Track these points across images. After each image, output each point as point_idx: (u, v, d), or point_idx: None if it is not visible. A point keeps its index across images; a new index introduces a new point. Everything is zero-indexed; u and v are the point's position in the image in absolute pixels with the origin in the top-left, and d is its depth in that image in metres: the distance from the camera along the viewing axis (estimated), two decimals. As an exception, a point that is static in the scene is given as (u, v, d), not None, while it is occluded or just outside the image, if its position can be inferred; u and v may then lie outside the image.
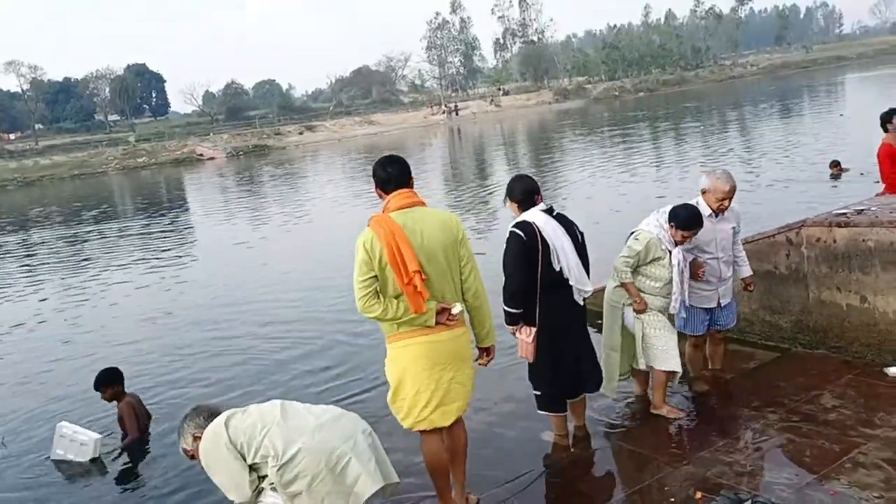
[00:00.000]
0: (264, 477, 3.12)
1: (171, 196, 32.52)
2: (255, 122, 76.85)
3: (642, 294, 4.55)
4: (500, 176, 22.41)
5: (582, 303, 4.26)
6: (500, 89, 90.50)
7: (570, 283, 4.14)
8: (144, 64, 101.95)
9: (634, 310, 4.56)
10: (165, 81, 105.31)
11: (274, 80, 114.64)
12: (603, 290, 4.84)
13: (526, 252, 4.04)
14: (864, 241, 4.87)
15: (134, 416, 5.63)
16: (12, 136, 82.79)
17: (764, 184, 13.84)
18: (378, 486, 3.14)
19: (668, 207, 4.58)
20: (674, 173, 17.66)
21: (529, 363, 4.28)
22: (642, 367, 4.66)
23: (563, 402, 4.43)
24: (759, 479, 3.79)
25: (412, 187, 3.62)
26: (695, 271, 4.65)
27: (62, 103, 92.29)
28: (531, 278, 4.05)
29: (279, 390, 6.27)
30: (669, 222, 4.48)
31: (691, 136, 27.99)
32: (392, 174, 3.57)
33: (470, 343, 3.71)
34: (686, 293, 4.61)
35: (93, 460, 5.37)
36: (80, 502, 5.01)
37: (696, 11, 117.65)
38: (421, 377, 3.52)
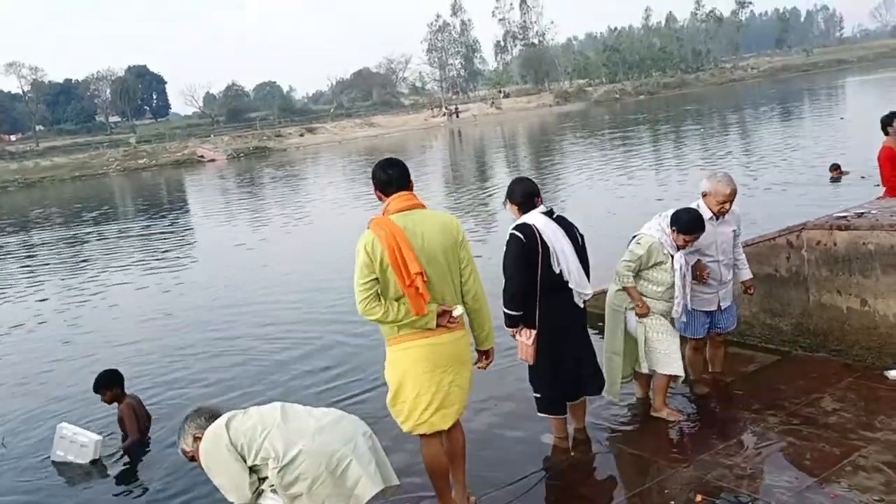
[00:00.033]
0: (264, 479, 3.13)
1: (171, 197, 32.54)
2: (256, 123, 76.87)
3: (644, 298, 4.55)
4: (501, 178, 22.43)
5: (582, 305, 4.27)
6: (500, 92, 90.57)
7: (570, 285, 4.14)
8: (145, 65, 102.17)
9: (637, 314, 4.56)
10: (166, 83, 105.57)
11: (274, 82, 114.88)
12: (603, 292, 4.85)
13: (526, 254, 4.04)
14: (864, 244, 4.87)
15: (134, 417, 5.62)
16: (13, 138, 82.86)
17: (763, 187, 13.84)
18: (378, 488, 3.15)
19: (670, 211, 4.57)
20: (673, 176, 17.66)
21: (529, 366, 4.28)
22: (645, 370, 4.66)
23: (562, 405, 4.43)
24: (760, 482, 3.79)
25: (412, 190, 3.63)
26: (699, 273, 4.65)
27: (63, 105, 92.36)
28: (531, 281, 4.05)
29: (279, 391, 6.28)
30: (671, 226, 4.48)
31: (691, 138, 28.01)
32: (393, 176, 3.58)
33: (469, 346, 3.71)
34: (689, 297, 4.60)
35: (93, 462, 5.36)
36: (81, 504, 5.00)
37: (696, 14, 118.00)
38: (421, 380, 3.51)
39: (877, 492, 3.52)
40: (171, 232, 19.20)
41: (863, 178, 11.91)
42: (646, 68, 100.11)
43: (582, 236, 4.27)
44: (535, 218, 4.13)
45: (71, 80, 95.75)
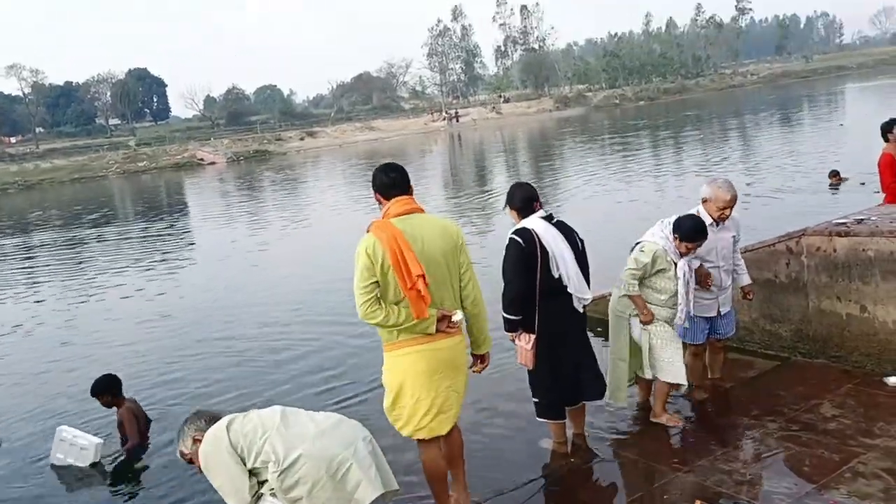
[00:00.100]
0: (264, 482, 3.12)
1: (171, 200, 32.54)
2: (257, 127, 76.87)
3: (649, 305, 4.54)
4: (500, 183, 22.44)
5: (581, 310, 4.27)
6: (500, 96, 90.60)
7: (569, 290, 4.15)
8: (146, 68, 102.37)
9: (641, 321, 4.55)
10: (166, 86, 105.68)
11: (275, 86, 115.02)
12: (603, 297, 4.84)
13: (525, 259, 4.05)
14: (864, 250, 4.88)
15: (134, 421, 5.60)
16: (13, 140, 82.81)
17: (763, 193, 13.85)
18: (378, 492, 3.14)
19: (673, 218, 4.55)
20: (671, 182, 17.67)
21: (529, 370, 4.27)
22: (648, 376, 4.66)
23: (561, 410, 4.43)
24: (759, 488, 3.79)
25: (412, 194, 3.63)
26: (702, 279, 4.64)
27: (63, 107, 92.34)
28: (530, 285, 4.05)
29: (278, 392, 6.28)
30: (673, 233, 4.45)
31: (691, 144, 28.03)
32: (394, 180, 3.58)
33: (466, 351, 3.71)
34: (692, 304, 4.59)
35: (93, 465, 5.33)
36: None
37: (696, 20, 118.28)
38: (420, 385, 3.51)
39: (876, 498, 3.52)
40: (171, 234, 19.21)
41: (862, 184, 11.94)
42: (646, 74, 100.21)
43: (582, 241, 4.27)
44: (534, 223, 4.13)
45: (71, 82, 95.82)
